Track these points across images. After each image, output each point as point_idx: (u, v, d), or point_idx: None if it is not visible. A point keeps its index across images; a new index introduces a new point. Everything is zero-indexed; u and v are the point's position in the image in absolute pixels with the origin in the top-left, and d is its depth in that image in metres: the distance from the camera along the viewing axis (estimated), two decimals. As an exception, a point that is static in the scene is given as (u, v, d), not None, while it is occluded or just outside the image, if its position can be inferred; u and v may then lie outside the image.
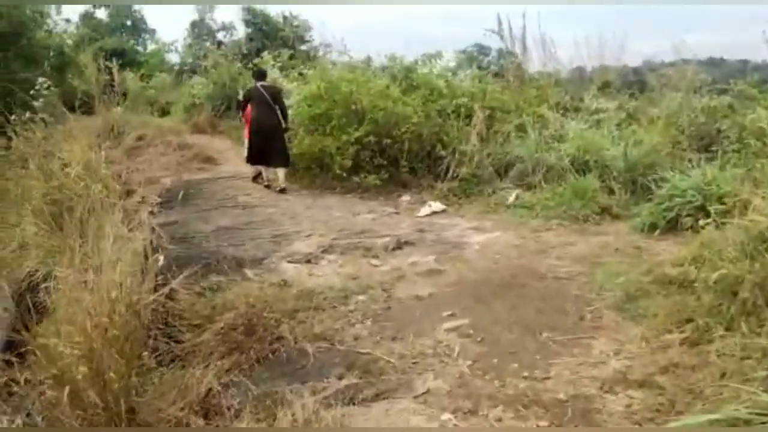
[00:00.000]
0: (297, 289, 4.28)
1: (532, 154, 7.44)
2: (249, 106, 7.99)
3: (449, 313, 3.89)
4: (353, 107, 7.54)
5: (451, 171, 7.55)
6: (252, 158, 7.92)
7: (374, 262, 5.03)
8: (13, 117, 9.14)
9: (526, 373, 3.03)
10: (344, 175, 7.38)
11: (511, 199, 6.90)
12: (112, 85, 17.64)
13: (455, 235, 5.78)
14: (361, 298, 4.20)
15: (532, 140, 7.77)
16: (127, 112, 11.11)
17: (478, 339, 3.46)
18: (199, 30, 25.12)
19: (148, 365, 3.18)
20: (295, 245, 5.33)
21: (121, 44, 27.57)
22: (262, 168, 7.96)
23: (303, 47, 24.44)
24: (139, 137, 8.93)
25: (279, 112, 7.74)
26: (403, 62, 8.83)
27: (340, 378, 3.06)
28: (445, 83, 8.65)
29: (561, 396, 2.82)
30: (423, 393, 2.89)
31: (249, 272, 4.67)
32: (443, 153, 7.64)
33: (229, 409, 2.83)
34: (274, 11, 24.49)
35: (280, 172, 7.73)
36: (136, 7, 32.30)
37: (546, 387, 2.91)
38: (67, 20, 22.08)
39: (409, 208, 6.92)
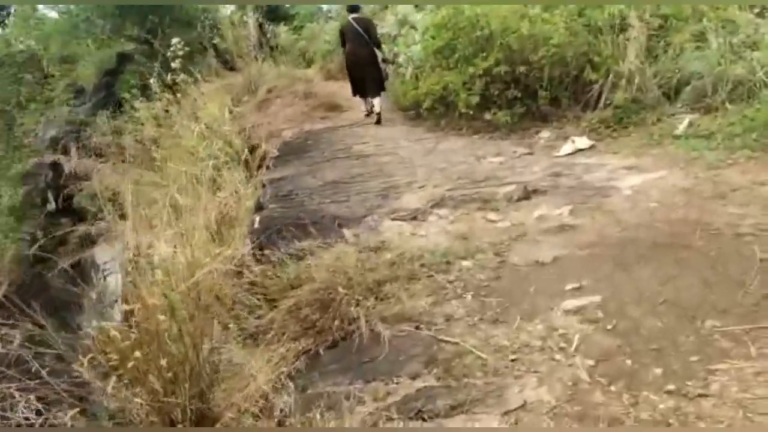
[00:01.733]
0: (394, 254, 3.67)
1: (713, 68, 5.77)
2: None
3: (575, 285, 2.99)
4: (479, 33, 6.49)
5: (603, 98, 6.22)
6: (355, 90, 8.04)
7: (492, 216, 4.20)
8: (152, 80, 9.78)
9: (672, 386, 2.09)
10: (471, 113, 6.45)
11: (683, 126, 5.43)
12: (261, 42, 18.27)
13: (601, 178, 4.66)
14: (466, 264, 3.46)
15: (714, 50, 6.05)
16: (269, 65, 11.19)
17: (609, 326, 2.55)
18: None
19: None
20: (404, 199, 4.68)
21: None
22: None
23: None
24: (269, 90, 8.87)
25: (372, 43, 7.70)
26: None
27: (414, 377, 2.42)
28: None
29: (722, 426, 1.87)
30: (516, 408, 2.13)
31: (347, 232, 4.16)
32: (594, 76, 6.30)
33: (281, 411, 2.38)
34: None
35: (376, 101, 7.77)
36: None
37: (701, 409, 1.96)
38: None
39: (548, 146, 5.83)
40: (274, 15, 27.52)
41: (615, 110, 6.00)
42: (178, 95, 8.93)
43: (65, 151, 12.75)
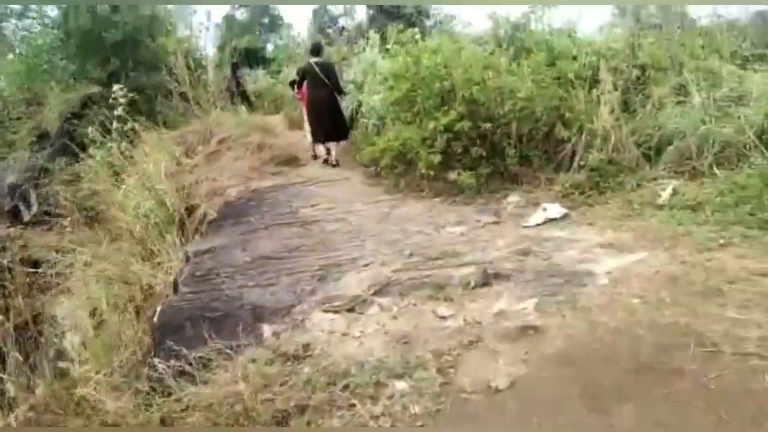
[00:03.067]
0: (314, 368, 2.91)
1: (697, 126, 5.24)
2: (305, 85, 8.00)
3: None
4: (440, 84, 5.90)
5: (577, 158, 5.64)
6: (315, 137, 7.97)
7: (443, 310, 3.46)
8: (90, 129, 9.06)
9: None
10: (433, 173, 5.80)
11: (666, 194, 4.82)
12: (231, 87, 17.70)
13: (574, 258, 3.97)
14: (400, 386, 2.70)
15: (698, 105, 5.54)
16: (230, 113, 10.56)
17: None
18: (321, 17, 24.74)
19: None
20: (344, 282, 3.94)
21: (253, 43, 28.38)
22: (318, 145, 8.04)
23: (428, 22, 23.03)
24: (221, 140, 8.20)
25: (332, 88, 7.67)
26: (509, 19, 6.93)
27: None
28: (570, 39, 6.61)
29: None
30: None
31: (266, 330, 3.40)
32: (566, 134, 5.72)
33: None
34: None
35: (333, 147, 7.81)
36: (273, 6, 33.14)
37: None
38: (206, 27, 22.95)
39: (516, 213, 5.17)
40: (254, 58, 27.31)
41: (590, 173, 5.40)
42: (123, 144, 8.24)
43: (24, 199, 12.06)
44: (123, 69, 13.94)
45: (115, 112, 8.59)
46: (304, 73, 7.96)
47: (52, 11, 14.79)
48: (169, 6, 19.21)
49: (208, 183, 6.70)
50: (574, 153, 5.69)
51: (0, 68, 13.84)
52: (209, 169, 7.20)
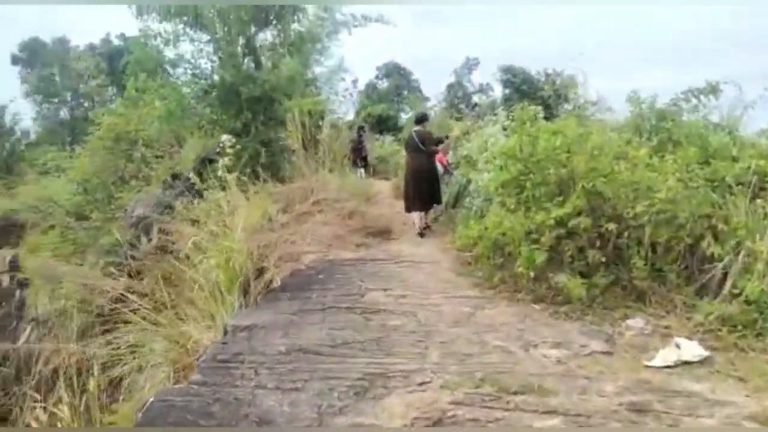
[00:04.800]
0: None
1: None
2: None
3: None
4: (558, 171, 4.93)
5: (729, 284, 4.31)
6: (408, 206, 7.82)
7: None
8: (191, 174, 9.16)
9: None
10: (533, 274, 4.74)
11: None
12: (358, 149, 17.85)
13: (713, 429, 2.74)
14: None
15: None
16: (335, 174, 10.29)
17: None
18: (455, 92, 24.74)
19: None
20: (387, 402, 3.03)
21: (387, 111, 29.16)
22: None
23: (567, 106, 22.07)
24: (315, 202, 7.78)
25: (426, 151, 7.67)
26: (653, 104, 5.82)
27: None
28: (730, 137, 5.37)
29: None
30: None
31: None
32: (717, 251, 4.44)
33: None
34: (535, 70, 22.80)
35: (430, 212, 7.86)
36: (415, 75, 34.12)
37: None
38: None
39: (637, 344, 3.94)
40: (386, 125, 28.00)
41: (746, 305, 4.06)
42: (221, 194, 8.15)
43: (147, 231, 12.74)
44: (254, 122, 14.54)
45: (221, 162, 8.64)
46: (406, 144, 8.18)
47: (205, 63, 15.97)
48: (317, 70, 20.34)
49: (287, 246, 6.18)
50: (725, 276, 4.37)
51: (148, 111, 15.01)
52: (294, 231, 6.72)
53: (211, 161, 14.20)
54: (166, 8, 14.91)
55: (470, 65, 25.03)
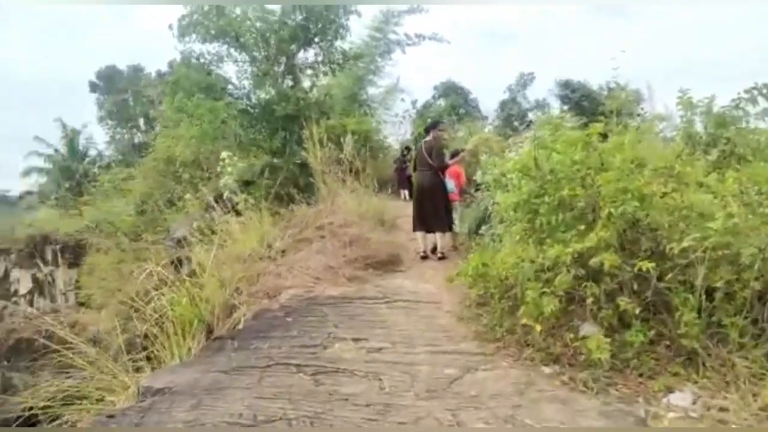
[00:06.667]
0: None
1: None
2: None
3: None
4: (576, 192, 3.82)
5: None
6: (415, 224, 7.03)
7: None
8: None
9: None
10: (538, 327, 3.64)
11: None
12: (402, 170, 17.00)
13: None
14: None
15: None
16: (355, 196, 9.45)
17: None
18: (509, 109, 23.42)
19: None
20: None
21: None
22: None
23: (632, 122, 20.37)
24: (320, 226, 6.94)
25: (435, 166, 6.81)
26: (710, 108, 4.57)
27: None
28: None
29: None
30: None
31: None
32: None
33: None
34: (596, 84, 21.25)
35: (439, 238, 6.85)
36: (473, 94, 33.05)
37: None
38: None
39: (679, 428, 2.79)
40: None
41: None
42: (224, 217, 7.53)
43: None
44: (289, 142, 14.04)
45: (221, 181, 8.02)
46: (415, 157, 7.38)
47: (248, 83, 15.67)
48: (371, 91, 19.84)
49: (270, 278, 5.37)
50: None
51: (184, 132, 14.78)
52: (285, 260, 5.90)
53: (249, 183, 13.81)
54: (207, 30, 14.77)
55: (525, 80, 23.68)
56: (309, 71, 15.89)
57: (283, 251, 6.46)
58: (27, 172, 32.39)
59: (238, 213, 10.54)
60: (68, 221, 21.67)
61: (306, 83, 15.36)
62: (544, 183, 4.14)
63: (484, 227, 6.19)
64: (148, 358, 4.60)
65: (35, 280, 20.62)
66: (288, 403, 3.03)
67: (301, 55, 15.58)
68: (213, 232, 9.88)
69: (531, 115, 22.56)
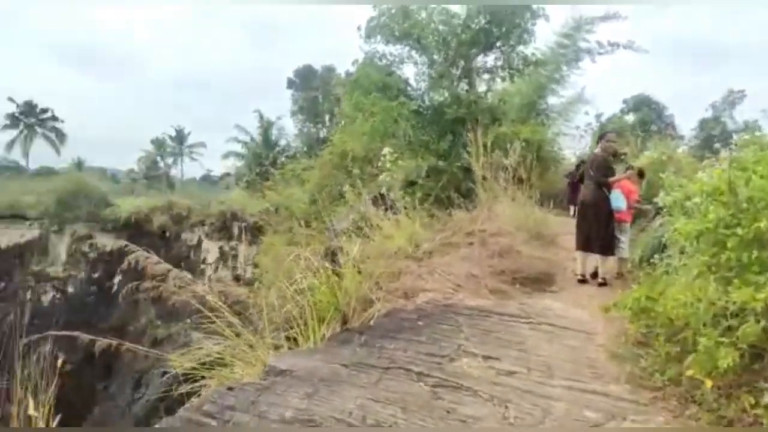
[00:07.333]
0: None
1: None
2: None
3: None
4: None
5: None
6: (578, 242, 6.45)
7: None
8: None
9: None
10: (709, 384, 2.96)
11: None
12: (573, 182, 16.00)
13: None
14: None
15: None
16: (514, 203, 8.99)
17: None
18: (710, 129, 20.58)
19: None
20: None
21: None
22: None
23: None
24: (470, 232, 6.62)
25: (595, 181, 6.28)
26: None
27: None
28: None
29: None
30: None
31: None
32: None
33: None
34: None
35: (600, 261, 6.26)
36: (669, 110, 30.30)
37: None
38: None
39: None
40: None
41: None
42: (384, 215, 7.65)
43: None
44: (455, 145, 13.91)
45: (380, 177, 8.09)
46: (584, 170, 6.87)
47: (425, 85, 15.87)
48: (551, 101, 19.01)
49: (410, 278, 5.25)
50: None
51: (357, 128, 15.41)
52: (429, 262, 5.75)
53: (413, 183, 13.99)
54: (392, 31, 15.24)
55: (734, 98, 20.52)
56: (486, 75, 15.62)
57: (430, 253, 6.31)
58: (226, 156, 36.63)
59: (393, 210, 10.70)
60: (254, 203, 24.06)
61: (482, 87, 15.12)
62: (738, 211, 3.41)
63: (657, 256, 5.39)
64: (288, 339, 4.76)
65: (221, 251, 23.22)
66: (401, 411, 2.86)
67: (480, 58, 15.37)
68: (365, 227, 10.15)
69: (736, 137, 19.64)
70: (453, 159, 13.84)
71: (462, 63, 15.35)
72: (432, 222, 8.42)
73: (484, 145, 8.90)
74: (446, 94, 14.56)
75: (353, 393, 3.02)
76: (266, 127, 37.39)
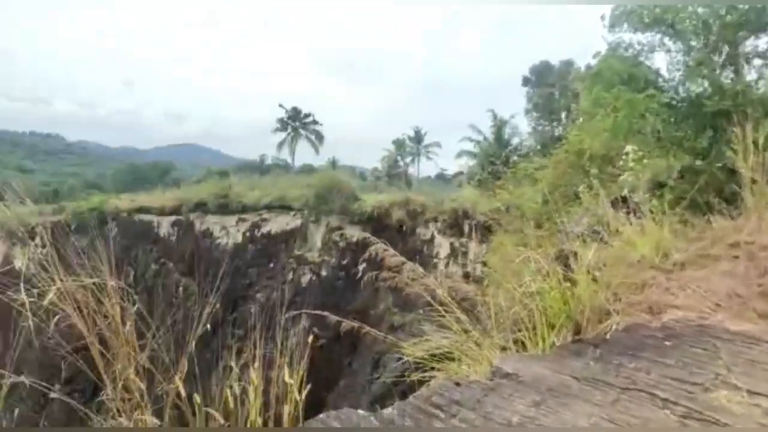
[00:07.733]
0: None
1: None
2: None
3: None
4: None
5: None
6: None
7: None
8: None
9: None
10: None
11: None
12: None
13: None
14: None
15: None
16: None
17: None
18: None
19: None
20: None
21: None
22: None
23: None
24: (734, 244, 5.61)
25: None
26: None
27: None
28: None
29: None
30: None
31: None
32: None
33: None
34: None
35: None
36: None
37: None
38: None
39: None
40: None
41: None
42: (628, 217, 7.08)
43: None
44: (716, 143, 12.10)
45: (621, 177, 7.38)
46: None
47: (679, 75, 14.20)
48: None
49: (656, 291, 4.72)
50: None
51: (597, 125, 14.44)
52: (679, 276, 5.09)
53: (663, 185, 12.60)
54: (640, 18, 13.97)
55: None
56: (757, 61, 13.23)
57: (682, 264, 5.58)
58: (459, 155, 37.75)
59: (637, 215, 9.71)
60: (484, 201, 24.33)
61: (751, 76, 12.86)
62: None
63: None
64: (515, 342, 4.72)
65: (452, 247, 24.05)
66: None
67: (749, 42, 13.10)
68: (603, 231, 9.40)
69: None
70: (713, 158, 12.07)
71: (726, 48, 13.30)
72: (684, 229, 7.45)
73: (754, 142, 7.52)
74: (706, 84, 12.75)
75: (586, 409, 2.86)
76: (499, 126, 37.49)
